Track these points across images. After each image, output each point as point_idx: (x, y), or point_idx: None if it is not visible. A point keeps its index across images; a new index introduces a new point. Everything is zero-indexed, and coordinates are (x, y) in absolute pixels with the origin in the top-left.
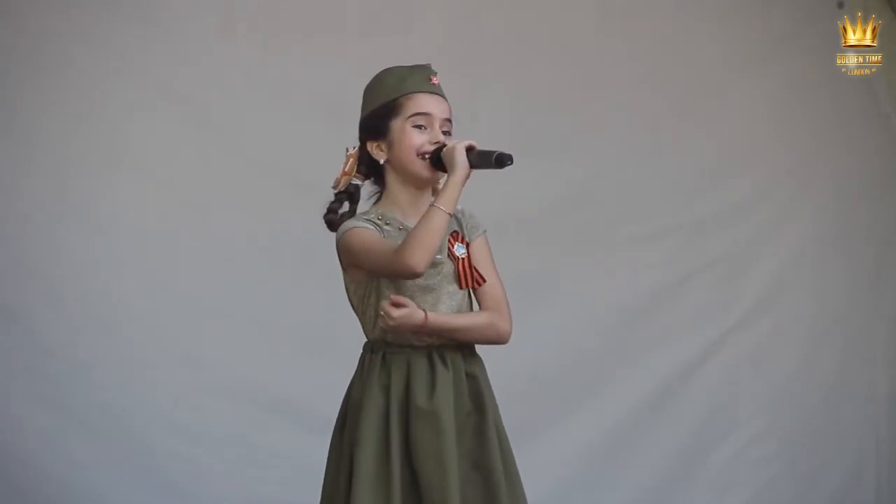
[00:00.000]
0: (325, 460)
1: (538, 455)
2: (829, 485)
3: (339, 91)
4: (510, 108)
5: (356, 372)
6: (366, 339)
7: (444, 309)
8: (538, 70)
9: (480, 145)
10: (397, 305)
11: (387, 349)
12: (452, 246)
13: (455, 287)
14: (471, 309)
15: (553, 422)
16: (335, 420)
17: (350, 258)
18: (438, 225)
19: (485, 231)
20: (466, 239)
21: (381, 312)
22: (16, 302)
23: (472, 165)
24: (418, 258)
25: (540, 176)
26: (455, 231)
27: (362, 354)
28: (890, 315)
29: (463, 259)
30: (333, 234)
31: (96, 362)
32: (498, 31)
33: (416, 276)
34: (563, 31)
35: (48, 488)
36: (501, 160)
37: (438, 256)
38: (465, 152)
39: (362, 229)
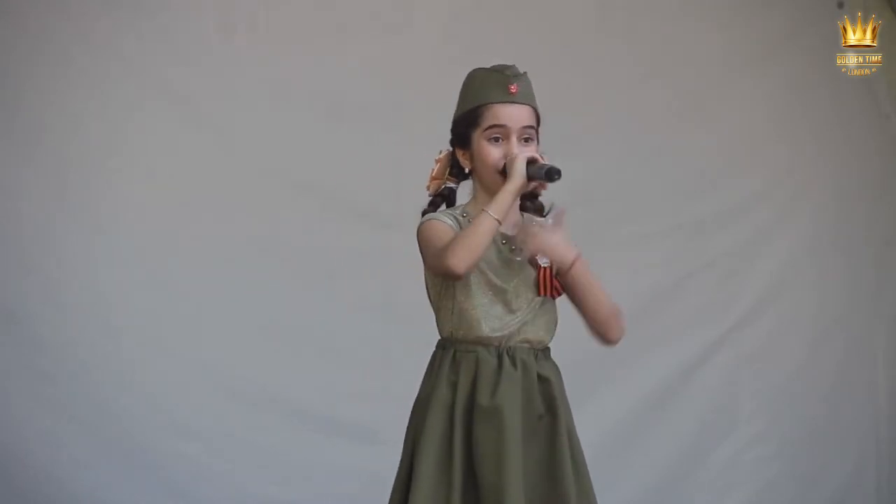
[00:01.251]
0: (325, 460)
1: None
2: (829, 485)
3: (339, 91)
4: None
5: (427, 369)
6: (439, 337)
7: (520, 315)
8: (538, 70)
9: None
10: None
11: (458, 347)
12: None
13: (532, 294)
14: (553, 321)
15: None
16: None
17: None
18: (485, 230)
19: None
20: None
21: (535, 227)
22: (16, 302)
23: (530, 177)
24: (459, 259)
25: None
26: None
27: (434, 352)
28: (890, 315)
29: (546, 269)
30: (331, 235)
31: (96, 362)
32: (497, 31)
33: (455, 276)
34: (563, 31)
35: (48, 488)
36: (550, 174)
37: (518, 259)
38: (524, 164)
39: (437, 222)
